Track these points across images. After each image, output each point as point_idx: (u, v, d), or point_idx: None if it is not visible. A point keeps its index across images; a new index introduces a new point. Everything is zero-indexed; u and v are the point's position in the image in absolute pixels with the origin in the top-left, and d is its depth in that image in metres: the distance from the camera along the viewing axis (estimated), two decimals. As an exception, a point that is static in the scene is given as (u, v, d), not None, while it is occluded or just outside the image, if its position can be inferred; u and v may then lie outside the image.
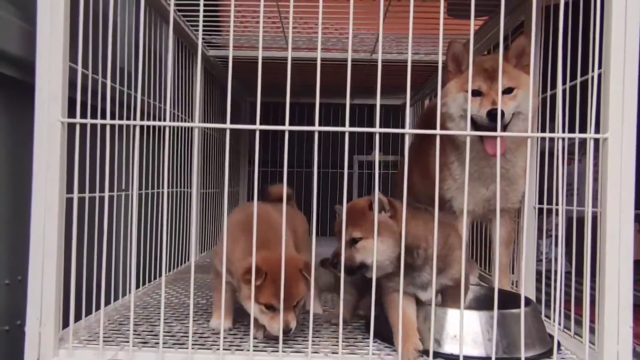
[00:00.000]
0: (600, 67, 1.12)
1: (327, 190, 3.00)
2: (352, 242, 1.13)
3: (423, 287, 1.17)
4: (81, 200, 1.14)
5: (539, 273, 1.62)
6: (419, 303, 1.20)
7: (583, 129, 1.18)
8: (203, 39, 1.91)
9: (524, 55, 1.45)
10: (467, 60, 1.46)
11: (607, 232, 1.08)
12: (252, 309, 1.15)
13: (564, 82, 1.21)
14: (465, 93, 1.38)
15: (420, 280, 1.16)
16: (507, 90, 1.43)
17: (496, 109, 1.30)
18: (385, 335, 1.23)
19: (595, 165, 1.13)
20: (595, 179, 1.15)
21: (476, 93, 1.43)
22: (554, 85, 1.41)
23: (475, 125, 1.44)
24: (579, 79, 1.28)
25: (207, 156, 2.45)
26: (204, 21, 1.15)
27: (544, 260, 1.56)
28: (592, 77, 1.14)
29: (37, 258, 1.06)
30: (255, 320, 1.15)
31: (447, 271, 1.17)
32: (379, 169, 3.56)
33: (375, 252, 1.08)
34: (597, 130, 1.11)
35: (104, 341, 1.10)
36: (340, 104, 2.68)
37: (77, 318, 1.18)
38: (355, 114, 3.08)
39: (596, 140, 1.11)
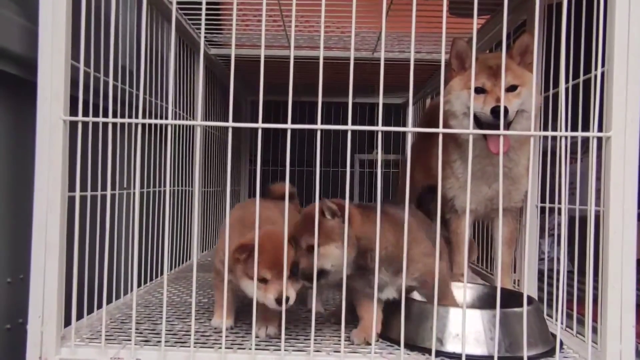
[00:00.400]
0: (603, 65, 1.11)
1: (328, 189, 3.00)
2: (309, 249, 1.13)
3: (380, 289, 1.18)
4: (83, 199, 1.14)
5: (540, 272, 1.62)
6: (417, 302, 1.21)
7: (585, 128, 1.18)
8: (204, 37, 1.91)
9: (527, 52, 1.45)
10: (471, 57, 1.46)
11: (610, 231, 1.08)
12: (249, 287, 1.15)
13: (566, 81, 1.20)
14: (469, 90, 1.38)
15: (377, 282, 1.15)
16: (511, 88, 1.43)
17: (499, 107, 1.30)
18: (387, 334, 1.23)
19: (598, 164, 1.13)
20: (598, 178, 1.15)
21: (480, 90, 1.43)
22: (556, 84, 1.41)
23: (479, 123, 1.44)
24: (581, 77, 1.28)
25: (208, 155, 2.45)
26: (205, 19, 1.15)
27: (546, 259, 1.56)
28: (595, 76, 1.14)
29: (39, 256, 1.06)
30: (257, 316, 1.15)
31: (408, 271, 1.13)
32: (386, 167, 3.57)
33: (330, 258, 1.12)
34: (599, 129, 1.11)
35: (106, 339, 1.10)
36: (342, 102, 2.67)
37: (79, 316, 1.18)
38: (357, 112, 3.08)
39: (599, 139, 1.11)
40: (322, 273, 1.14)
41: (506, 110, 1.35)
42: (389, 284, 1.20)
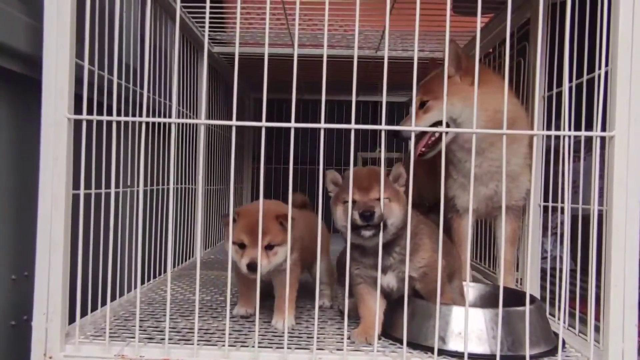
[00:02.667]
0: (607, 64, 1.11)
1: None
2: (377, 201, 1.16)
3: (383, 271, 1.20)
4: (87, 196, 1.15)
5: (542, 271, 1.62)
6: (419, 300, 1.21)
7: (588, 127, 1.18)
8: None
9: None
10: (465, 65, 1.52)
11: (613, 230, 1.08)
12: (232, 252, 1.24)
13: (570, 80, 1.20)
14: None
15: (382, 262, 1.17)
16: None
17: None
18: (390, 332, 1.23)
19: (601, 163, 1.13)
20: (601, 177, 1.15)
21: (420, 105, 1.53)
22: (559, 83, 1.41)
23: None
24: (585, 77, 1.28)
25: (211, 152, 2.45)
26: (208, 17, 1.15)
27: (548, 257, 1.56)
28: (599, 75, 1.14)
29: (44, 254, 1.07)
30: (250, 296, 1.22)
31: (412, 259, 1.18)
32: (385, 166, 3.55)
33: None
34: (603, 129, 1.11)
35: (109, 337, 1.10)
36: (344, 100, 2.67)
37: (83, 314, 1.18)
38: (360, 110, 3.08)
39: (602, 139, 1.11)
40: (385, 226, 1.16)
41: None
42: (391, 269, 1.22)
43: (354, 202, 1.16)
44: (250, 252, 1.20)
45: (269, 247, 1.23)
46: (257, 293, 1.10)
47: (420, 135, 1.54)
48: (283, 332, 1.16)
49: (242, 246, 1.23)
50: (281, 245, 1.24)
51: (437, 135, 1.50)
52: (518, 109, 1.52)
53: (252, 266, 1.18)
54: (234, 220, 1.22)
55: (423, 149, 1.55)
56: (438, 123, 1.48)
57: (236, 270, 1.33)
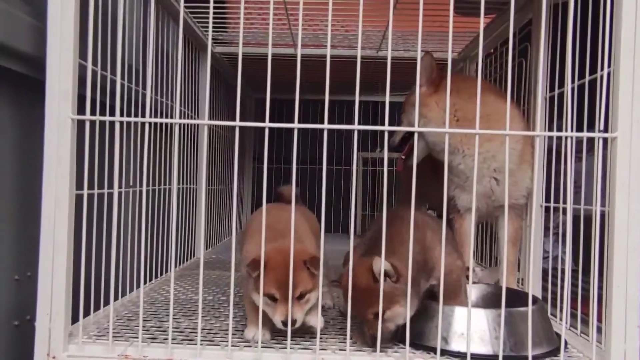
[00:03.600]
0: (609, 65, 1.11)
1: (332, 187, 3.00)
2: (375, 316, 1.11)
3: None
4: (90, 197, 1.15)
5: (543, 271, 1.62)
6: (425, 301, 1.21)
7: (590, 128, 1.18)
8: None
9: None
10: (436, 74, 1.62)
11: (615, 231, 1.08)
12: (260, 302, 1.14)
13: (572, 81, 1.20)
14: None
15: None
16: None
17: None
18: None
19: (603, 163, 1.13)
20: (603, 178, 1.15)
21: None
22: (561, 84, 1.41)
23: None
24: (587, 78, 1.28)
25: (213, 152, 2.45)
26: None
27: (550, 258, 1.56)
28: (602, 76, 1.14)
29: (47, 254, 1.07)
30: (263, 318, 1.15)
31: (432, 274, 1.18)
32: (389, 166, 3.55)
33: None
34: (605, 129, 1.11)
35: (113, 337, 1.11)
36: (346, 100, 2.68)
37: (86, 314, 1.18)
38: (361, 111, 3.08)
39: (604, 140, 1.11)
40: (396, 330, 1.14)
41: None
42: (423, 286, 1.20)
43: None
44: (283, 308, 1.12)
45: (300, 297, 1.15)
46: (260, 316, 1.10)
47: (401, 148, 1.74)
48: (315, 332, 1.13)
49: (272, 298, 1.14)
50: (312, 292, 1.17)
51: (411, 143, 1.66)
52: (492, 110, 1.52)
53: (286, 323, 1.11)
54: (256, 267, 1.13)
55: (403, 157, 1.72)
56: (411, 135, 1.65)
57: (248, 299, 1.25)
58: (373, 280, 1.10)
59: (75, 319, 1.12)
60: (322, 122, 1.09)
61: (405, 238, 1.08)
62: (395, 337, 1.14)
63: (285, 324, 1.11)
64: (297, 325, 1.13)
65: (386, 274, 1.10)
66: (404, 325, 1.11)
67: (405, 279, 1.10)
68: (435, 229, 1.23)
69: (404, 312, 1.10)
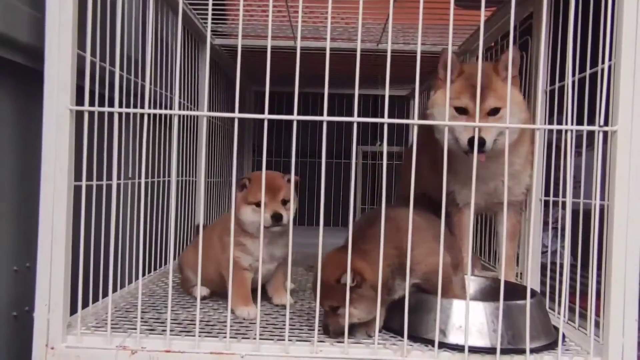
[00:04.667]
0: (610, 58, 1.11)
1: (331, 181, 3.00)
2: (334, 309, 1.16)
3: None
4: (89, 188, 1.15)
5: (541, 265, 1.62)
6: (420, 294, 1.22)
7: (590, 121, 1.18)
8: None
9: (513, 66, 1.41)
10: (458, 69, 1.47)
11: (615, 224, 1.08)
12: (247, 213, 1.38)
13: (572, 74, 1.20)
14: (452, 109, 1.41)
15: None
16: (493, 112, 1.40)
17: (479, 137, 1.31)
18: (390, 325, 1.24)
19: (603, 157, 1.13)
20: (603, 171, 1.15)
21: (462, 111, 1.42)
22: (562, 77, 1.41)
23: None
24: (588, 71, 1.27)
25: (211, 145, 2.45)
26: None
27: (549, 252, 1.57)
28: (602, 69, 1.13)
29: (46, 245, 1.07)
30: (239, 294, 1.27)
31: (413, 273, 1.16)
32: (389, 159, 3.57)
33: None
34: (605, 123, 1.11)
35: (111, 328, 1.11)
36: (345, 94, 2.67)
37: (84, 305, 1.18)
38: (360, 104, 3.07)
39: (605, 133, 1.11)
40: (352, 326, 1.17)
41: (483, 142, 1.34)
42: (399, 288, 1.21)
43: None
44: (271, 206, 1.34)
45: (283, 203, 1.37)
46: (260, 282, 1.11)
47: None
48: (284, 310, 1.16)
49: (258, 205, 1.33)
50: (292, 201, 1.37)
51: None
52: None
53: (276, 216, 1.34)
54: (245, 186, 1.40)
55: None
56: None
57: (234, 269, 1.27)
58: (336, 280, 1.13)
59: (73, 311, 1.12)
60: (321, 115, 1.09)
61: (380, 240, 1.09)
62: (350, 333, 1.14)
63: (274, 217, 1.34)
64: (284, 221, 1.35)
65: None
66: (371, 322, 1.17)
67: (368, 284, 1.14)
68: (422, 228, 1.22)
69: (358, 313, 1.15)
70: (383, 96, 1.07)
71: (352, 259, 1.10)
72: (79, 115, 1.09)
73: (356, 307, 1.14)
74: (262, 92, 1.06)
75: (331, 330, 1.17)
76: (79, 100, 1.08)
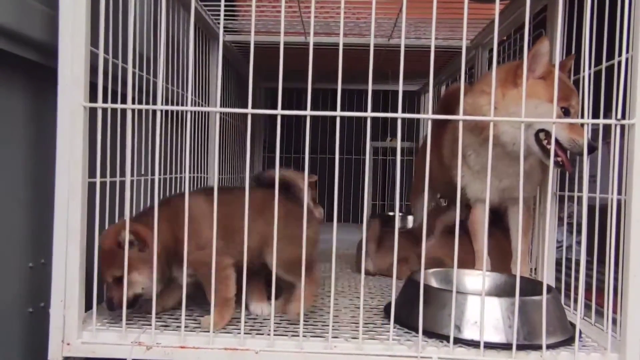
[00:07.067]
0: (628, 51, 1.09)
1: (342, 177, 2.99)
2: (116, 281, 1.15)
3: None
4: (103, 185, 1.15)
5: (556, 261, 1.61)
6: (434, 289, 1.21)
7: (607, 115, 1.16)
8: (219, 23, 1.91)
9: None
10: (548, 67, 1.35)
11: (632, 219, 1.06)
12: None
13: (589, 67, 1.18)
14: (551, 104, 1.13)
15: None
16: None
17: (594, 145, 1.24)
18: (405, 321, 1.23)
19: (620, 151, 1.11)
20: (620, 166, 1.13)
21: (565, 112, 1.34)
22: (576, 70, 1.39)
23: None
24: (604, 64, 1.25)
25: (223, 142, 2.45)
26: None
27: (564, 248, 1.55)
28: (619, 62, 1.12)
29: (61, 242, 1.08)
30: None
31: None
32: (400, 155, 3.53)
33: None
34: (622, 116, 1.09)
35: (126, 324, 1.11)
36: (356, 90, 2.66)
37: (100, 301, 1.19)
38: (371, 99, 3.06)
39: (622, 127, 1.09)
40: (136, 297, 1.16)
41: (594, 148, 1.25)
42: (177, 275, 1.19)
43: None
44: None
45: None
46: (274, 279, 1.10)
47: None
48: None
49: None
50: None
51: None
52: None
53: None
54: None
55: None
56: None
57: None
58: (117, 245, 1.11)
59: (88, 307, 1.12)
60: (333, 110, 1.08)
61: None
62: (134, 306, 1.14)
63: None
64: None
65: (131, 242, 1.11)
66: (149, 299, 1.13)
67: (152, 250, 1.11)
68: (206, 219, 1.17)
69: (143, 280, 1.13)
70: (393, 92, 1.07)
71: (133, 223, 1.09)
72: (92, 112, 1.09)
73: (140, 274, 1.13)
74: (273, 89, 1.06)
75: (115, 303, 1.14)
76: (93, 97, 1.09)
